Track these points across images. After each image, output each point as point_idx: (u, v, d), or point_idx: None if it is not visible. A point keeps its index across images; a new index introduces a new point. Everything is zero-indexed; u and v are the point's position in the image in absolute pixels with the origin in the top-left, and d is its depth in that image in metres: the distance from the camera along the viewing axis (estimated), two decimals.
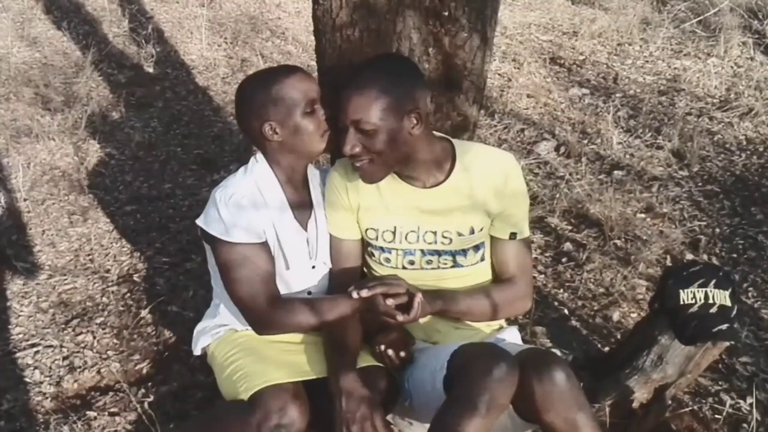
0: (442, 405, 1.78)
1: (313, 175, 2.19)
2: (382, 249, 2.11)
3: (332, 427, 1.94)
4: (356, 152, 1.91)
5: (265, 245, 2.03)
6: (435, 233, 2.07)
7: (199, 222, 2.04)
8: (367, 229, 2.11)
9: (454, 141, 2.08)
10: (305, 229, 2.12)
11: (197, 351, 2.23)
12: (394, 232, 2.09)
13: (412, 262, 2.10)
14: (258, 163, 2.09)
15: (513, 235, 2.07)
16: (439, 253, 2.08)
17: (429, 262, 2.09)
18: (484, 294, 2.08)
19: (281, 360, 2.02)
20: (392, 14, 2.19)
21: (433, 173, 2.03)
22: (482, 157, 2.05)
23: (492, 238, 2.11)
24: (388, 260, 2.11)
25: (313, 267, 2.15)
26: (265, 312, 1.99)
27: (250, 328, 2.15)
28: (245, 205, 1.99)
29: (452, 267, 2.09)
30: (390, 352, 2.03)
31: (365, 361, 2.05)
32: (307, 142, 2.03)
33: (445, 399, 1.79)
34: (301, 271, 2.13)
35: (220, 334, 2.17)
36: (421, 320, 2.16)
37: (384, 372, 2.05)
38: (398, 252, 2.10)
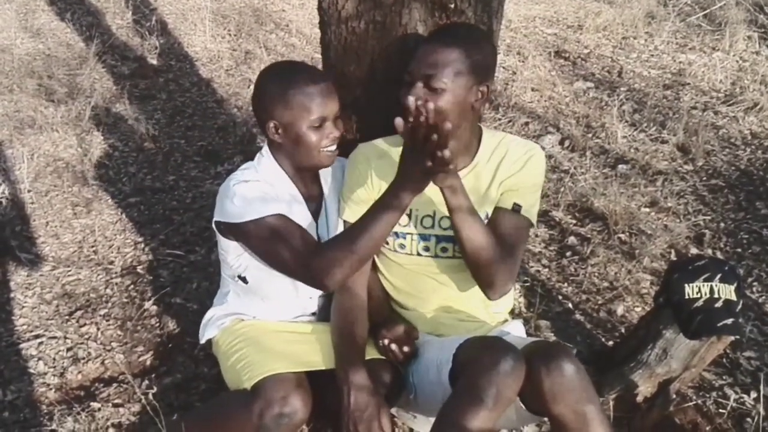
0: (448, 398, 1.77)
1: None
2: (396, 234, 2.09)
3: (336, 420, 1.94)
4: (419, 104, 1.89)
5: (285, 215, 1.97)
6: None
7: (218, 218, 2.01)
8: None
9: (485, 129, 2.08)
10: (316, 221, 2.12)
11: (202, 340, 2.24)
12: (410, 215, 2.08)
13: (427, 248, 2.09)
14: (264, 158, 2.07)
15: (516, 207, 2.00)
16: (454, 240, 2.07)
17: (444, 249, 2.07)
18: (491, 236, 1.93)
19: (285, 350, 2.02)
20: (398, 6, 2.19)
21: (462, 156, 2.02)
22: (506, 145, 2.04)
23: (495, 209, 2.03)
24: (402, 246, 2.10)
25: None
26: (319, 262, 1.86)
27: (257, 317, 2.15)
28: (260, 189, 1.98)
29: None
30: (393, 346, 2.03)
31: (369, 354, 2.05)
32: (304, 154, 2.01)
33: (452, 392, 1.79)
34: None
35: (225, 324, 2.17)
36: (428, 315, 2.17)
37: (388, 365, 2.05)
38: (413, 237, 2.08)
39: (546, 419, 1.94)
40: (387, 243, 2.12)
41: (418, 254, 2.10)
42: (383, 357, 2.07)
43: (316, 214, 2.12)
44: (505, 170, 2.02)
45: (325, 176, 2.16)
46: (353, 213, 2.08)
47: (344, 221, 2.13)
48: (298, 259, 1.89)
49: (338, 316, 2.07)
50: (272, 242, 1.92)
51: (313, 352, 2.06)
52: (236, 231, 1.99)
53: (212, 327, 2.21)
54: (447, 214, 2.03)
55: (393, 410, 2.25)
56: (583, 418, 1.71)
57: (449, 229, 2.06)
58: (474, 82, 1.90)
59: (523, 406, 1.83)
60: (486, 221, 2.04)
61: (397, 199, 1.78)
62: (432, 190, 2.01)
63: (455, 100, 1.88)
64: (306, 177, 2.11)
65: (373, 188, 2.08)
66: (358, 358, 1.98)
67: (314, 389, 1.93)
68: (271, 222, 1.92)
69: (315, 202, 2.13)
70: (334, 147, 2.02)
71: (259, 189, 1.98)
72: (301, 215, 2.07)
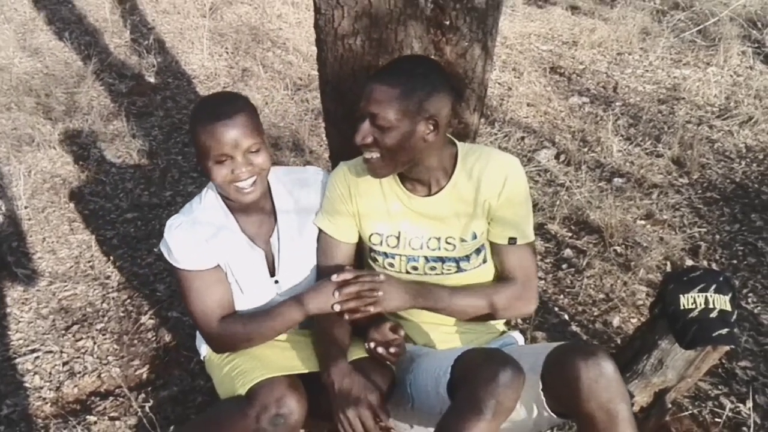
0: (447, 409, 1.77)
1: (279, 182, 2.17)
2: (385, 254, 2.11)
3: (331, 418, 1.95)
4: (367, 143, 1.92)
5: (216, 269, 2.05)
6: (439, 239, 2.07)
7: (161, 246, 2.09)
8: (371, 234, 2.11)
9: (459, 144, 2.08)
10: (263, 246, 2.12)
11: (201, 355, 2.26)
12: (398, 237, 2.09)
13: (415, 268, 2.10)
14: (209, 190, 2.11)
15: (512, 240, 2.05)
16: (443, 259, 2.08)
17: (432, 268, 2.09)
18: (479, 293, 2.05)
19: (277, 356, 2.05)
20: (394, 24, 2.20)
21: (437, 178, 2.03)
22: (484, 160, 2.04)
23: (492, 243, 2.10)
24: (392, 265, 2.12)
25: (276, 282, 2.15)
26: (216, 331, 2.03)
27: None
28: (192, 234, 2.03)
29: (456, 272, 2.10)
30: (380, 349, 2.02)
31: (358, 353, 2.05)
32: (218, 187, 2.03)
33: (451, 404, 1.79)
34: (260, 290, 2.13)
35: None
36: (424, 327, 2.17)
37: (377, 364, 2.05)
38: (402, 258, 2.10)
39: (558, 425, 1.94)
40: (377, 260, 2.14)
41: (407, 272, 2.11)
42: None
43: (265, 239, 2.13)
44: (486, 190, 2.02)
45: (280, 191, 2.16)
46: (336, 230, 2.13)
47: (317, 226, 2.16)
48: (200, 321, 2.05)
49: (320, 320, 2.08)
50: (186, 293, 2.05)
51: (304, 357, 2.07)
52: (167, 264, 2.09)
53: (205, 345, 2.23)
54: (435, 235, 2.08)
55: (390, 421, 2.25)
56: (614, 418, 1.69)
57: (437, 249, 2.08)
58: (421, 117, 1.89)
59: (547, 408, 1.82)
60: (475, 239, 2.05)
61: (301, 306, 1.97)
62: (419, 214, 2.04)
63: (402, 137, 1.89)
64: (251, 205, 2.08)
65: (352, 208, 2.11)
66: (338, 353, 1.98)
67: (309, 394, 1.94)
68: (193, 279, 2.03)
69: (264, 225, 2.14)
70: (244, 183, 1.98)
71: (191, 231, 2.04)
72: (241, 249, 2.10)
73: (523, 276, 2.08)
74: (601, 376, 1.69)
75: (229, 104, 1.96)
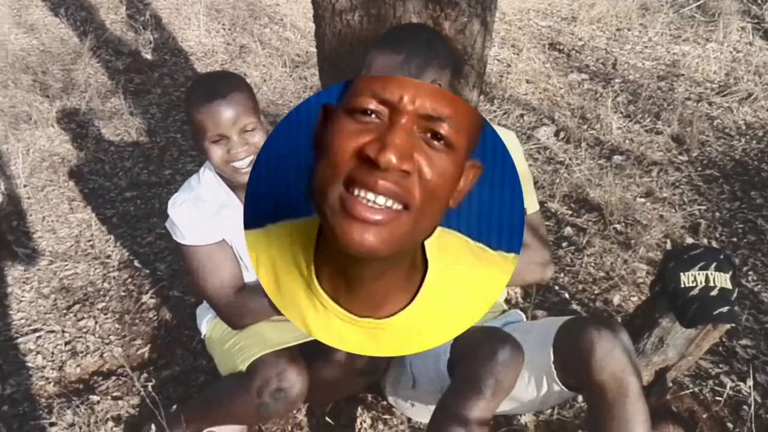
0: (447, 388, 1.78)
1: None
2: None
3: (333, 392, 1.94)
4: None
5: (223, 244, 2.05)
6: None
7: (167, 224, 2.09)
8: None
9: None
10: None
11: (203, 334, 2.26)
12: None
13: None
14: (206, 169, 2.10)
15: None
16: None
17: None
18: None
19: (276, 330, 2.04)
20: None
21: None
22: None
23: None
24: None
25: None
26: (233, 303, 2.02)
27: None
28: (197, 210, 2.03)
29: None
30: None
31: None
32: (216, 167, 2.01)
33: (450, 382, 1.80)
34: None
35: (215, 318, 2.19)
36: None
37: None
38: None
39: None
40: None
41: None
42: None
43: None
44: None
45: None
46: None
47: None
48: (214, 297, 2.04)
49: None
50: (196, 271, 2.05)
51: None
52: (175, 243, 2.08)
53: (204, 323, 2.24)
54: None
55: (391, 399, 2.27)
56: (624, 389, 1.71)
57: None
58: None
59: (558, 381, 1.83)
60: None
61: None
62: None
63: None
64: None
65: None
66: None
67: (308, 364, 1.94)
68: (201, 253, 2.03)
69: None
70: (241, 163, 1.96)
71: (194, 207, 2.03)
72: (238, 220, 2.06)
73: (535, 242, 2.11)
74: (615, 347, 1.71)
75: (224, 83, 1.95)
